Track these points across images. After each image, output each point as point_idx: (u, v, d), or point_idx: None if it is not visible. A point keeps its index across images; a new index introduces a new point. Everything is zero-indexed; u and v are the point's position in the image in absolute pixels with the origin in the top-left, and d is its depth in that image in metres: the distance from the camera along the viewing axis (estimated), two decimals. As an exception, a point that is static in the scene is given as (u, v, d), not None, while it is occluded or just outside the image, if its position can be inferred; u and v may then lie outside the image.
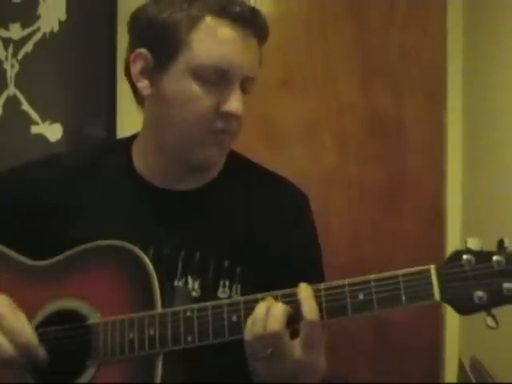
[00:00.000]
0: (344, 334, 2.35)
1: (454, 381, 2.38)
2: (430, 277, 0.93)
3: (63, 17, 2.51)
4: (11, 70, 2.52)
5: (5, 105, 2.54)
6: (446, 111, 2.55)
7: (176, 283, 1.12)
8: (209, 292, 1.12)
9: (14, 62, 2.52)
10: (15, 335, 1.03)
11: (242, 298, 1.00)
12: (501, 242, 0.92)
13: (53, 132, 2.52)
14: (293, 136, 2.60)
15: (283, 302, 0.97)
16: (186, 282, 1.12)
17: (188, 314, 1.00)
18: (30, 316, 1.08)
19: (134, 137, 1.22)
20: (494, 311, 0.91)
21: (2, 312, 1.05)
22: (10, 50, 2.52)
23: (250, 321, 0.97)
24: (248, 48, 1.08)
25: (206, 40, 1.06)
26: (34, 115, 2.52)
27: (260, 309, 0.96)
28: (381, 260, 2.51)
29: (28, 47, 2.52)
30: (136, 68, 1.11)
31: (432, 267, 0.93)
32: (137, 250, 1.07)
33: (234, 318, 0.98)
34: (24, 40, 2.52)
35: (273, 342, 0.95)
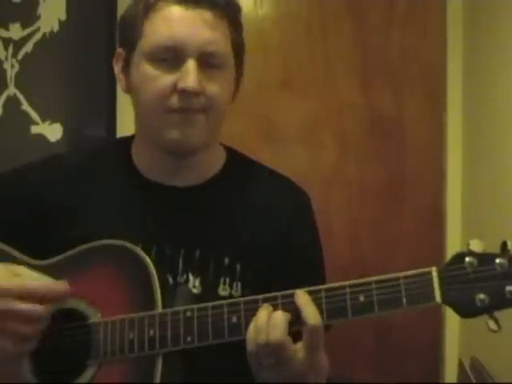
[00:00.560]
0: (344, 334, 2.34)
1: (454, 381, 2.38)
2: (431, 279, 0.92)
3: (63, 17, 2.50)
4: (11, 70, 2.52)
5: (5, 105, 2.54)
6: (446, 111, 2.54)
7: (177, 281, 1.12)
8: (209, 290, 1.12)
9: (14, 61, 2.52)
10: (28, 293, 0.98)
11: (242, 299, 1.00)
12: (504, 245, 0.91)
13: (53, 132, 2.52)
14: (293, 136, 2.60)
15: (283, 303, 0.97)
16: (187, 280, 1.12)
17: (188, 314, 1.00)
18: None
19: (133, 136, 1.23)
20: (497, 314, 0.90)
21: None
22: (10, 50, 2.52)
23: (251, 330, 0.97)
24: (198, 24, 1.07)
25: (155, 23, 1.09)
26: (34, 115, 2.52)
27: (261, 318, 0.96)
28: (381, 260, 2.51)
29: (28, 47, 2.51)
30: (117, 68, 1.16)
31: (433, 269, 0.93)
32: (137, 249, 1.07)
33: (234, 319, 0.98)
34: (24, 40, 2.52)
35: (276, 351, 0.95)
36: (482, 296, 0.90)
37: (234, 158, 1.23)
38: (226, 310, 0.99)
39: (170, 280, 1.11)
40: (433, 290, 0.92)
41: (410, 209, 2.57)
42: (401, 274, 0.94)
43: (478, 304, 0.90)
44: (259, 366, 0.98)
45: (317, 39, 2.60)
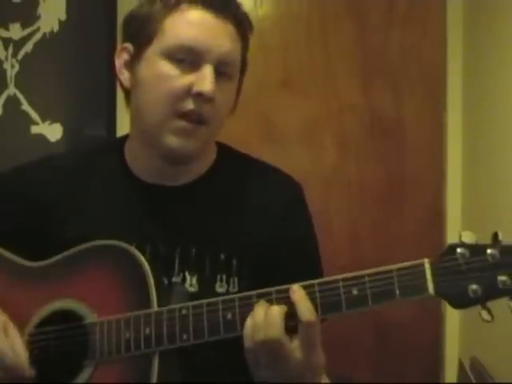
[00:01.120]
0: (345, 333, 2.34)
1: (454, 381, 2.38)
2: (423, 271, 0.93)
3: (63, 17, 2.51)
4: (11, 70, 2.52)
5: (5, 105, 2.54)
6: (446, 111, 2.55)
7: (173, 280, 1.12)
8: (206, 287, 1.11)
9: (14, 61, 2.52)
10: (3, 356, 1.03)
11: (236, 295, 1.00)
12: (495, 235, 0.91)
13: (53, 132, 2.52)
14: (293, 136, 2.60)
15: (278, 298, 0.97)
16: (184, 279, 1.12)
17: (183, 312, 1.00)
18: (26, 317, 1.09)
19: (127, 136, 1.22)
20: (490, 305, 0.90)
21: None
22: (10, 50, 2.52)
23: (248, 328, 0.96)
24: (222, 33, 1.09)
25: (176, 23, 1.09)
26: (34, 115, 2.52)
27: (258, 316, 0.96)
28: (381, 260, 2.47)
29: (28, 47, 2.52)
30: (120, 61, 1.15)
31: (426, 261, 0.94)
32: (132, 249, 1.07)
33: (229, 316, 0.98)
34: (24, 40, 2.52)
35: (273, 348, 0.95)
36: (474, 287, 0.90)
37: (225, 153, 1.22)
38: (220, 306, 0.99)
39: (165, 279, 1.11)
40: (425, 282, 0.92)
41: (410, 209, 2.56)
42: (394, 267, 0.95)
43: (471, 295, 0.90)
44: (257, 363, 0.98)
45: (317, 39, 2.60)
